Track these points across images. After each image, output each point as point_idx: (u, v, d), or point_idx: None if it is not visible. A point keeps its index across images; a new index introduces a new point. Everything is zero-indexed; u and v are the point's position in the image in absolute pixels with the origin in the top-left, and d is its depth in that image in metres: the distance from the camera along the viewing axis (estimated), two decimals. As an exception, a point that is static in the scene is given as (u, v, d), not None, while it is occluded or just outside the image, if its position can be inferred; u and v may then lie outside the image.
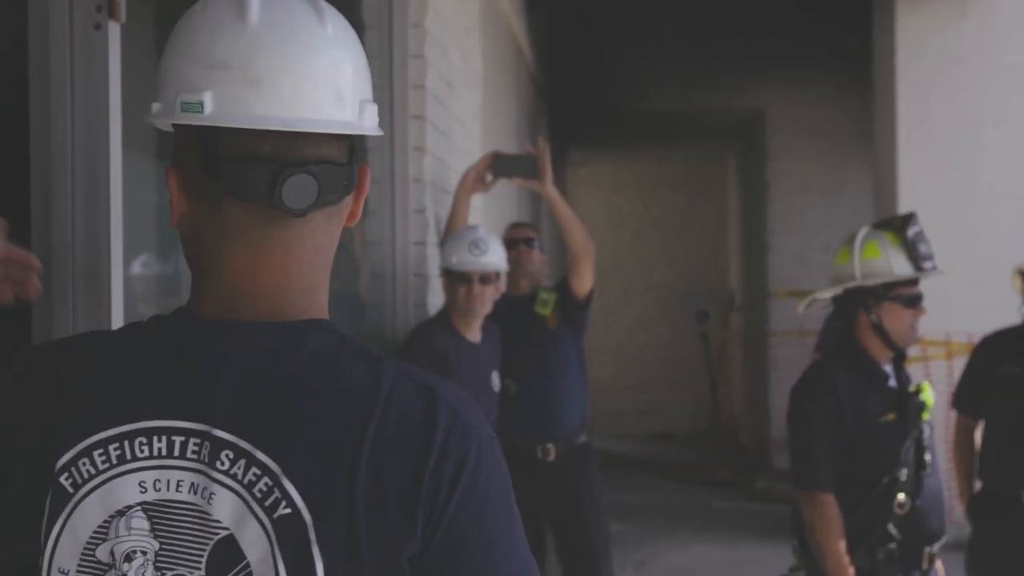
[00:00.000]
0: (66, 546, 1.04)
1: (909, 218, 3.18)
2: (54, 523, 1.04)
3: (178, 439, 1.03)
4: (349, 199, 1.13)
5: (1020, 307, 4.19)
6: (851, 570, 3.03)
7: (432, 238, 4.16)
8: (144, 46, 2.27)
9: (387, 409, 1.03)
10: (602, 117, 11.17)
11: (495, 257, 3.83)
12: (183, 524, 1.02)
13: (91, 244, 1.85)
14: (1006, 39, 7.23)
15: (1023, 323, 4.10)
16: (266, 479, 1.01)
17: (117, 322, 1.85)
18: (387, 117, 3.90)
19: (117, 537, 1.03)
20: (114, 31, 1.83)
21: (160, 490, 1.03)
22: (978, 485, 4.16)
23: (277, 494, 1.00)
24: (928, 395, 3.14)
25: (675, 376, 13.91)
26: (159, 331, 1.10)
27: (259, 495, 1.00)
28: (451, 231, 4.02)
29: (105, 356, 1.10)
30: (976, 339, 4.50)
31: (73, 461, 1.05)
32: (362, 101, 1.11)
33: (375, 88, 1.18)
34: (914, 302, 3.15)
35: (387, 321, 4.02)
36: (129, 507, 1.03)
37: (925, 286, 3.23)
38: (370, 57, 4.46)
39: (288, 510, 1.00)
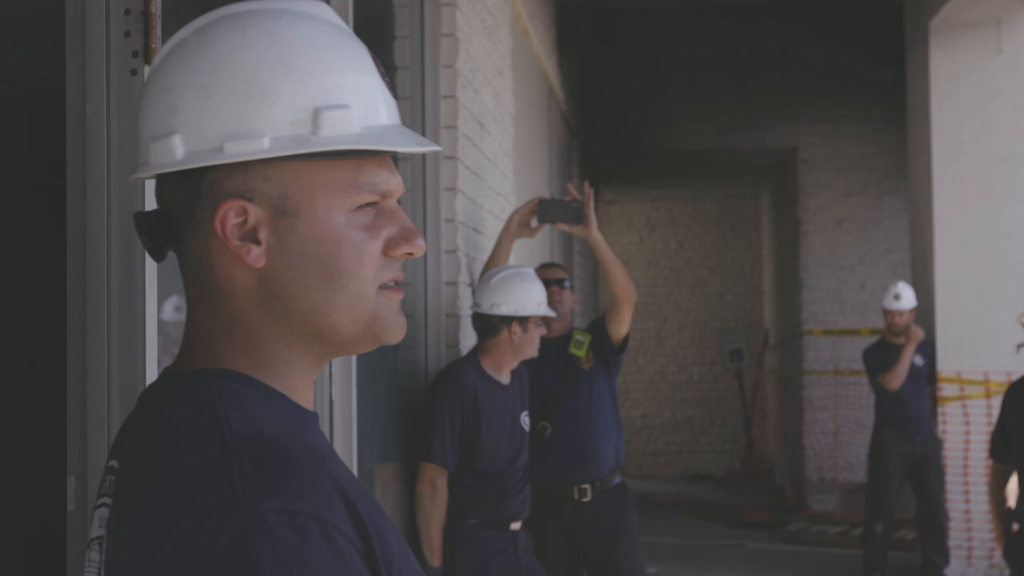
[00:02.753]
0: None
1: None
2: None
3: (108, 478, 1.06)
4: (194, 236, 1.03)
5: (1018, 348, 4.30)
6: None
7: (464, 278, 4.16)
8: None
9: (164, 478, 0.96)
10: (634, 155, 11.18)
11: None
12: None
13: (126, 288, 1.86)
14: (1041, 75, 7.19)
15: None
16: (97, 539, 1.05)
17: (151, 365, 1.85)
18: (420, 157, 3.91)
19: (86, 566, 1.06)
20: (150, 76, 1.84)
21: (103, 526, 1.05)
22: (1015, 527, 4.15)
23: (94, 552, 1.05)
24: None
25: (709, 416, 13.82)
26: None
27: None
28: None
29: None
30: (1015, 378, 4.47)
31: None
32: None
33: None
34: None
35: (419, 361, 4.01)
36: (93, 539, 1.06)
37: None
38: (402, 97, 4.43)
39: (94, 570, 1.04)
